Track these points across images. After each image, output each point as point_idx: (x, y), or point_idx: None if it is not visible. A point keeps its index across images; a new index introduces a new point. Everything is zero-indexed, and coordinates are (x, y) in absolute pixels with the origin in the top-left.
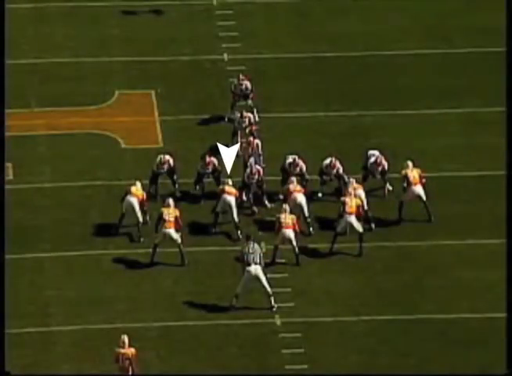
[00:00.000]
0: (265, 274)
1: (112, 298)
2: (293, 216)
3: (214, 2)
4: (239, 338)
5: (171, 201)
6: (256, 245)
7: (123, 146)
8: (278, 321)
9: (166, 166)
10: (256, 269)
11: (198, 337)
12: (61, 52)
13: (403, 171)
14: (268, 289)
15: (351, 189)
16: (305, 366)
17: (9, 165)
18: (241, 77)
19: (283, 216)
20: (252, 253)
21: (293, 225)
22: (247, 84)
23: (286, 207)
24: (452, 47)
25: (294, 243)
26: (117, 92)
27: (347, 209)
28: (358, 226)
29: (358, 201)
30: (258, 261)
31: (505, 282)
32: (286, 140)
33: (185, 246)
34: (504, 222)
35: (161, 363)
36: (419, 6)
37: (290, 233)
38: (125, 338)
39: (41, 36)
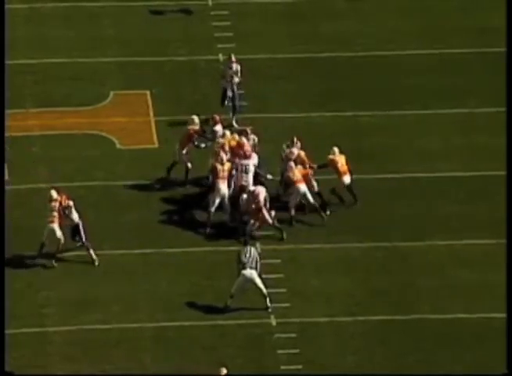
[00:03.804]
0: (261, 277)
1: (107, 299)
2: (302, 169)
3: (210, 3)
4: (235, 338)
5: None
6: (253, 250)
7: (118, 146)
8: (273, 321)
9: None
10: (252, 274)
11: (194, 337)
12: (56, 53)
13: (330, 157)
14: (264, 290)
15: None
16: (301, 367)
17: (4, 166)
18: (233, 58)
19: (291, 174)
20: (249, 257)
21: (304, 177)
22: (238, 66)
23: (291, 164)
24: (450, 47)
25: (309, 195)
26: (112, 93)
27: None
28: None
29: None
30: (254, 266)
31: (503, 282)
32: (282, 141)
33: (182, 246)
34: (501, 223)
35: (157, 364)
36: (416, 6)
37: (303, 187)
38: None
39: (37, 36)
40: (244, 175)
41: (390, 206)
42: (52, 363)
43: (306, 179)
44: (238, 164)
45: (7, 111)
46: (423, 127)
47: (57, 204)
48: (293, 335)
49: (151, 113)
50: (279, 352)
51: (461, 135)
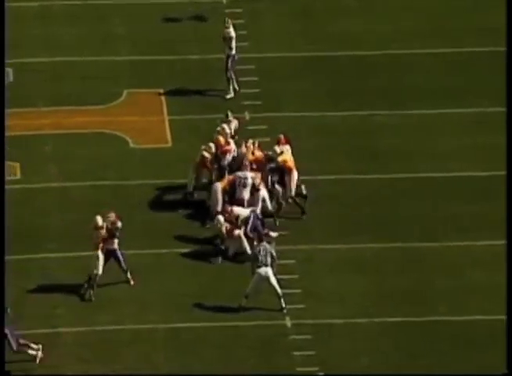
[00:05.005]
0: (276, 275)
1: (120, 299)
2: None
3: (224, 1)
4: (249, 339)
5: None
6: (268, 246)
7: (131, 145)
8: (288, 323)
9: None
10: (266, 272)
11: (206, 338)
12: (68, 51)
13: (277, 148)
14: (279, 290)
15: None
16: (316, 368)
17: (16, 165)
18: (229, 21)
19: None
20: (263, 255)
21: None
22: (231, 32)
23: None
24: (461, 46)
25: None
26: (125, 91)
27: None
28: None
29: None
30: (269, 262)
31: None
32: (294, 140)
33: (194, 246)
34: None
35: (169, 365)
36: (427, 5)
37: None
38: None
39: (49, 35)
40: (242, 188)
41: (404, 206)
42: (64, 364)
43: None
44: (236, 177)
45: (18, 110)
46: (435, 126)
47: (103, 231)
48: (308, 337)
49: (165, 112)
50: (294, 353)
51: (474, 134)
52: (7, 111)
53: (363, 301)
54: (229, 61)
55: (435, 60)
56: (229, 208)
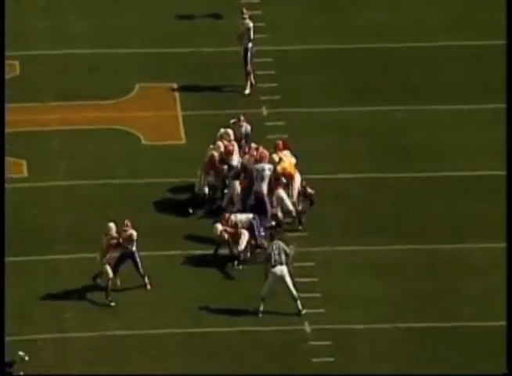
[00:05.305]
0: (292, 276)
1: (131, 303)
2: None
3: None
4: (266, 345)
5: None
6: (281, 244)
7: (143, 142)
8: (307, 328)
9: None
10: (282, 270)
11: (221, 344)
12: (79, 43)
13: (275, 157)
14: (294, 292)
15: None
16: None
17: (22, 162)
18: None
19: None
20: (277, 253)
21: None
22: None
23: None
24: (488, 39)
25: None
26: (137, 86)
27: None
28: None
29: None
30: (284, 261)
31: None
32: (313, 138)
33: (208, 247)
34: None
35: (182, 372)
36: None
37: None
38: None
39: (57, 26)
40: (260, 182)
41: (429, 206)
42: (72, 370)
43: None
44: (254, 169)
45: (25, 104)
46: (463, 123)
47: (114, 241)
48: (327, 343)
49: (178, 107)
50: (314, 360)
51: (503, 131)
52: (12, 106)
53: (386, 305)
54: (248, 54)
55: (461, 54)
56: (227, 216)
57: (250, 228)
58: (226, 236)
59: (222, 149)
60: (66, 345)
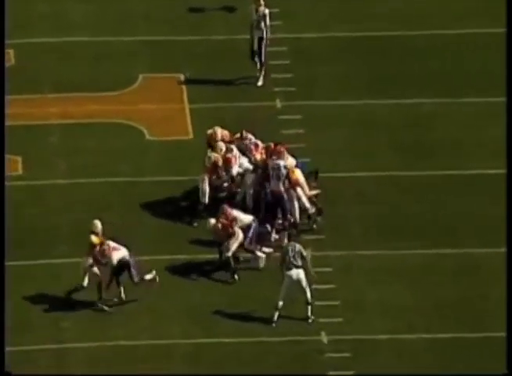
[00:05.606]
0: (308, 281)
1: (133, 311)
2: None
3: None
4: (280, 357)
5: None
6: (298, 246)
7: (147, 137)
8: (324, 338)
9: None
10: (298, 273)
11: (232, 355)
12: (80, 31)
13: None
14: (309, 296)
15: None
16: None
17: (18, 159)
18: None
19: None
20: (292, 256)
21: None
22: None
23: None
24: None
25: None
26: (141, 76)
27: None
28: None
29: None
30: (300, 264)
31: None
32: (330, 132)
33: (216, 251)
34: None
35: None
36: None
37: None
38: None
39: (57, 13)
40: (276, 181)
41: (457, 206)
42: None
43: None
44: (269, 168)
45: (22, 96)
46: (493, 117)
47: (96, 240)
48: (346, 354)
49: (185, 100)
50: (331, 373)
51: None
52: (8, 98)
53: (409, 314)
54: (262, 44)
55: (489, 42)
56: (227, 210)
57: (246, 230)
58: (220, 225)
59: (224, 149)
60: (66, 356)
